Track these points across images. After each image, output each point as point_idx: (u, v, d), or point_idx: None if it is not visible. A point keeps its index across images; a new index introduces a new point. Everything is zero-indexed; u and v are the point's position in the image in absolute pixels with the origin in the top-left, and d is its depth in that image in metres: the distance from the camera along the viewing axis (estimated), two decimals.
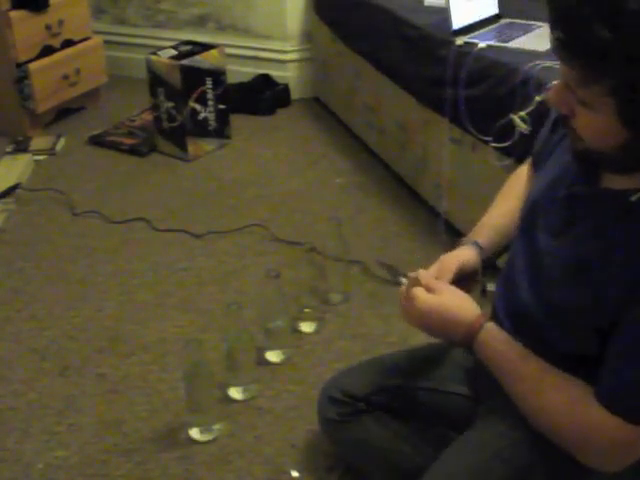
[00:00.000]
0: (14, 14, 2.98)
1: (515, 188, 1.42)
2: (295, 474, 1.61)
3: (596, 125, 0.98)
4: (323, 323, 2.05)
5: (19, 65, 3.04)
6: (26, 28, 3.03)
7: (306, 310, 2.03)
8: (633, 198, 1.03)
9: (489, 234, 1.40)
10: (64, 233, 2.53)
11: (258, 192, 2.74)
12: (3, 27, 2.97)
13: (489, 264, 1.43)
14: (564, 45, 0.94)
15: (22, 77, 3.05)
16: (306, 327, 2.03)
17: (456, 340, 1.20)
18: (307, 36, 3.45)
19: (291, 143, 3.15)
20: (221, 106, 3.00)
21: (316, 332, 2.03)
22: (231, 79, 3.12)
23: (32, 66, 3.05)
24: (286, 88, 3.44)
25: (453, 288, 1.25)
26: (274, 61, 3.49)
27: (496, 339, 1.16)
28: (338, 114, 3.27)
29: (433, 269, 1.31)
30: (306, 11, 3.41)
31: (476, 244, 1.36)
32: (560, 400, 1.09)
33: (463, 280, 1.32)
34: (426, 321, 1.22)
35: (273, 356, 1.93)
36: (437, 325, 1.21)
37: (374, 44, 2.70)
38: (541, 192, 1.19)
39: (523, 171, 1.42)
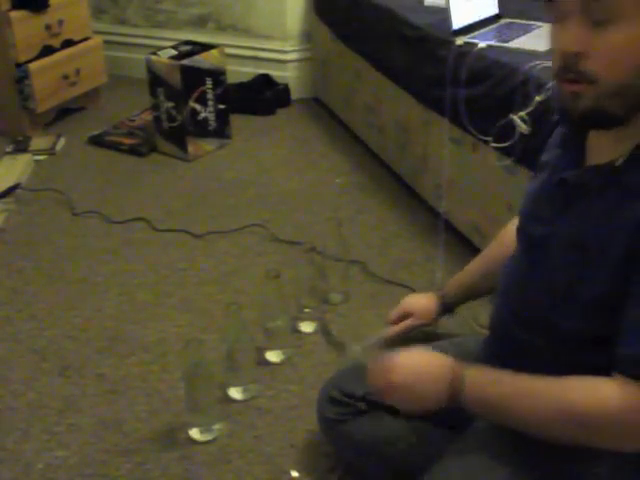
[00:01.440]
0: (14, 14, 2.98)
1: (492, 250, 1.53)
2: (295, 474, 1.61)
3: (620, 42, 0.94)
4: (323, 323, 2.05)
5: (19, 65, 3.04)
6: (26, 28, 3.03)
7: (306, 310, 2.03)
8: (618, 163, 1.03)
9: (455, 291, 1.60)
10: (64, 233, 2.53)
11: (258, 192, 2.75)
12: (3, 27, 2.97)
13: (447, 311, 1.66)
14: None
15: (22, 77, 3.05)
16: (306, 327, 2.03)
17: (441, 402, 1.12)
18: (307, 36, 3.45)
19: (291, 143, 3.15)
20: (221, 106, 3.00)
21: (316, 332, 2.03)
22: (231, 79, 3.12)
23: (32, 66, 3.05)
24: (286, 88, 3.44)
25: (410, 353, 1.18)
26: (274, 61, 3.49)
27: (482, 384, 1.10)
28: (338, 114, 3.27)
29: (395, 313, 1.53)
30: (306, 11, 3.41)
31: (440, 294, 1.61)
32: (582, 395, 1.02)
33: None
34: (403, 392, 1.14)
35: (273, 356, 1.93)
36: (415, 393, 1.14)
37: (374, 44, 2.70)
38: (530, 199, 1.23)
39: (506, 232, 1.46)
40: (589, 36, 0.95)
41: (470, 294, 1.60)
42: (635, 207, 1.00)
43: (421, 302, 1.66)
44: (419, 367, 1.15)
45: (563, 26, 0.98)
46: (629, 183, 1.02)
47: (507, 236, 1.43)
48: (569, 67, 0.98)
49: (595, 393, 1.02)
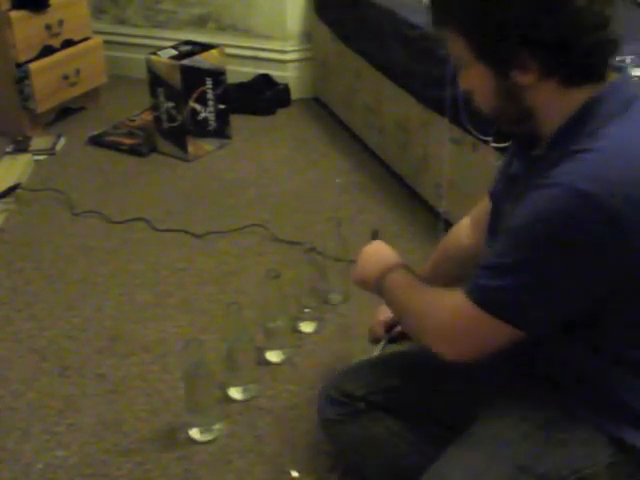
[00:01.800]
0: (14, 14, 2.98)
1: (443, 245, 1.64)
2: (295, 474, 1.61)
3: (475, 80, 1.16)
4: (323, 323, 2.05)
5: (19, 65, 3.04)
6: (26, 28, 3.03)
7: (306, 310, 2.03)
8: (535, 152, 1.17)
9: None
10: (64, 233, 2.53)
11: (258, 192, 2.75)
12: (3, 27, 2.97)
13: None
14: (428, 11, 1.16)
15: (22, 77, 3.05)
16: (306, 327, 2.03)
17: (372, 279, 1.38)
18: (307, 36, 3.45)
19: (291, 143, 3.15)
20: (221, 106, 3.00)
21: (316, 332, 2.03)
22: (231, 79, 3.12)
23: (32, 66, 3.05)
24: (286, 88, 3.44)
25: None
26: (274, 61, 3.49)
27: (401, 276, 1.34)
28: (338, 114, 3.27)
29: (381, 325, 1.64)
30: (306, 11, 3.41)
31: None
32: (433, 297, 1.25)
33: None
34: (360, 266, 1.46)
35: (273, 356, 1.93)
36: (365, 266, 1.44)
37: (374, 44, 2.70)
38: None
39: (459, 227, 1.59)
40: (465, 75, 1.17)
41: None
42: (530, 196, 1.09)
43: (389, 312, 1.70)
44: (379, 248, 1.48)
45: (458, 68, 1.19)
46: (534, 178, 1.11)
47: (459, 230, 1.57)
48: (471, 100, 1.21)
49: (441, 298, 1.22)
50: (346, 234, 2.14)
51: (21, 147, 3.06)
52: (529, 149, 1.20)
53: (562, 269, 1.05)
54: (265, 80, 3.45)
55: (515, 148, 1.30)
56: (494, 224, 1.31)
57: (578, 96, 1.10)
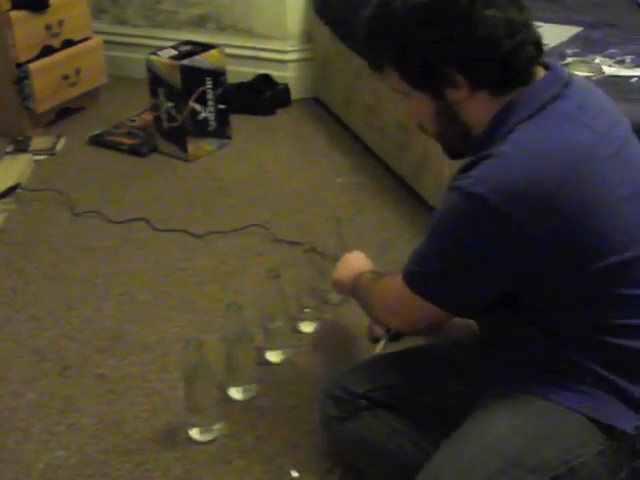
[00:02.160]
0: (14, 14, 2.98)
1: None
2: (295, 474, 1.61)
3: (417, 108, 1.29)
4: (323, 323, 2.05)
5: (19, 65, 3.03)
6: (26, 28, 3.03)
7: (306, 310, 2.03)
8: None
9: None
10: (64, 233, 2.53)
11: (258, 192, 2.75)
12: (3, 27, 2.97)
13: None
14: (367, 57, 1.33)
15: (22, 77, 3.04)
16: (306, 327, 2.03)
17: (347, 282, 1.65)
18: (307, 36, 3.45)
19: (291, 143, 3.15)
20: (221, 106, 3.00)
21: (316, 332, 2.03)
22: (231, 79, 3.12)
23: (32, 66, 3.05)
24: (286, 88, 3.44)
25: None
26: (274, 61, 3.49)
27: (368, 276, 1.57)
28: (338, 114, 3.27)
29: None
30: (306, 11, 3.41)
31: None
32: (383, 281, 1.49)
33: None
34: (338, 271, 1.73)
35: (273, 356, 1.93)
36: (342, 271, 1.71)
37: None
38: None
39: None
40: (409, 105, 1.30)
41: None
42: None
43: None
44: (356, 257, 1.75)
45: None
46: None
47: None
48: (418, 126, 1.35)
49: (389, 281, 1.43)
50: (346, 234, 2.14)
51: (21, 147, 3.06)
52: None
53: (463, 260, 1.20)
54: (265, 80, 3.45)
55: None
56: None
57: (505, 99, 1.20)
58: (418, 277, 1.28)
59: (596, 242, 1.15)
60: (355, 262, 1.71)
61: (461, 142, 1.29)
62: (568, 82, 1.21)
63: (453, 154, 1.36)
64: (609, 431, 1.17)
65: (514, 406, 1.21)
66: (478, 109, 1.22)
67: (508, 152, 1.15)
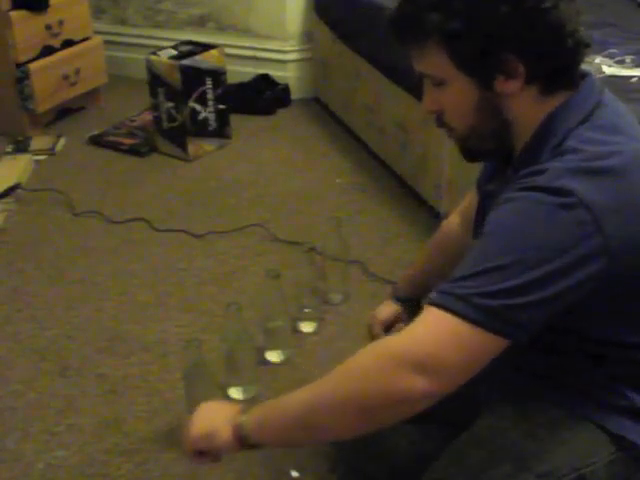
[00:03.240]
0: (14, 14, 2.98)
1: (436, 238, 1.62)
2: (295, 474, 1.61)
3: (454, 97, 1.14)
4: (323, 323, 2.05)
5: (19, 65, 3.04)
6: (26, 28, 3.03)
7: (306, 310, 2.03)
8: (507, 173, 1.17)
9: (406, 287, 1.65)
10: (64, 233, 2.53)
11: (258, 192, 2.75)
12: (3, 27, 2.97)
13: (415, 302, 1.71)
14: (396, 29, 1.15)
15: (22, 77, 3.04)
16: (306, 327, 2.03)
17: (228, 444, 1.11)
18: (307, 36, 3.45)
19: (291, 143, 3.15)
20: (221, 106, 3.00)
21: (316, 332, 2.03)
22: (231, 79, 3.12)
23: (32, 66, 3.05)
24: (286, 88, 3.44)
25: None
26: (274, 61, 3.49)
27: (261, 408, 1.11)
28: (338, 114, 3.27)
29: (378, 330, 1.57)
30: (306, 11, 3.41)
31: (397, 298, 1.64)
32: (354, 358, 1.06)
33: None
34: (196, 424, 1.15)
35: (273, 356, 1.93)
36: (205, 418, 1.16)
37: (374, 44, 2.70)
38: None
39: (449, 225, 1.59)
40: (439, 95, 1.15)
41: (421, 284, 1.67)
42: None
43: (389, 311, 1.73)
44: (212, 403, 1.21)
45: (424, 90, 1.18)
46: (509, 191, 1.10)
47: (451, 225, 1.57)
48: (436, 121, 1.19)
49: (380, 344, 1.08)
50: (346, 234, 2.14)
51: (21, 147, 3.06)
52: (502, 165, 1.22)
53: (545, 269, 1.01)
54: (265, 80, 3.45)
55: (491, 166, 1.32)
56: (479, 221, 1.32)
57: (551, 103, 1.12)
58: (483, 301, 1.00)
59: None
60: (213, 407, 1.20)
61: (492, 142, 1.18)
62: (603, 88, 1.18)
63: (472, 155, 1.24)
64: (620, 442, 1.16)
65: (524, 412, 1.20)
66: (523, 108, 1.13)
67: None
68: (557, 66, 1.10)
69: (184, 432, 1.17)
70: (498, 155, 1.22)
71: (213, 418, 1.15)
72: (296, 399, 1.07)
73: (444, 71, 1.12)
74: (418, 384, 0.99)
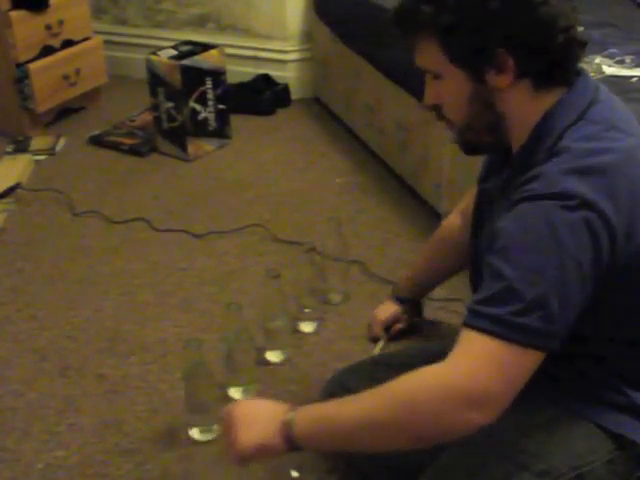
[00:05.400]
0: (14, 14, 2.98)
1: (435, 237, 1.70)
2: (295, 474, 1.60)
3: (449, 90, 1.17)
4: (323, 323, 2.05)
5: (19, 65, 3.03)
6: (26, 28, 3.03)
7: (306, 310, 2.03)
8: (504, 175, 1.20)
9: (407, 287, 1.80)
10: (64, 233, 2.53)
11: (258, 192, 2.74)
12: (3, 27, 2.97)
13: (415, 304, 1.86)
14: (395, 20, 1.19)
15: (22, 77, 3.04)
16: (306, 327, 2.03)
17: (275, 444, 1.14)
18: (307, 36, 3.45)
19: (291, 143, 3.14)
20: (221, 106, 3.00)
21: (316, 332, 2.03)
22: (231, 79, 3.12)
23: (32, 66, 3.05)
24: (286, 88, 3.44)
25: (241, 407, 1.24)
26: (274, 61, 3.49)
27: (310, 410, 1.14)
28: (338, 114, 3.27)
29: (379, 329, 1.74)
30: (306, 11, 3.41)
31: (397, 298, 1.81)
32: (406, 379, 1.07)
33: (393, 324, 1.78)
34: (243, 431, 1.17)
35: (273, 356, 1.93)
36: (252, 426, 1.17)
37: (374, 44, 2.70)
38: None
39: (448, 225, 1.66)
40: (438, 88, 1.18)
41: (421, 284, 1.76)
42: (505, 217, 1.09)
43: (389, 310, 1.81)
44: (256, 404, 1.25)
45: (426, 84, 1.21)
46: (509, 194, 1.13)
47: (452, 223, 1.62)
48: (436, 114, 1.23)
49: (418, 374, 1.06)
50: (346, 234, 2.14)
51: (21, 147, 3.06)
52: (500, 159, 1.25)
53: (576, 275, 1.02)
54: (265, 80, 3.45)
55: (488, 164, 1.33)
56: (476, 219, 1.34)
57: (546, 100, 1.13)
58: (519, 320, 1.01)
59: None
60: (259, 407, 1.23)
61: (488, 134, 1.20)
62: (597, 85, 1.17)
63: (470, 148, 1.25)
64: (619, 440, 1.16)
65: (524, 411, 1.20)
66: (517, 101, 1.14)
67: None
68: (548, 62, 1.11)
69: (230, 436, 1.18)
70: (496, 149, 1.23)
71: (261, 426, 1.16)
72: (346, 415, 1.09)
73: (439, 64, 1.15)
74: (474, 420, 1.02)
